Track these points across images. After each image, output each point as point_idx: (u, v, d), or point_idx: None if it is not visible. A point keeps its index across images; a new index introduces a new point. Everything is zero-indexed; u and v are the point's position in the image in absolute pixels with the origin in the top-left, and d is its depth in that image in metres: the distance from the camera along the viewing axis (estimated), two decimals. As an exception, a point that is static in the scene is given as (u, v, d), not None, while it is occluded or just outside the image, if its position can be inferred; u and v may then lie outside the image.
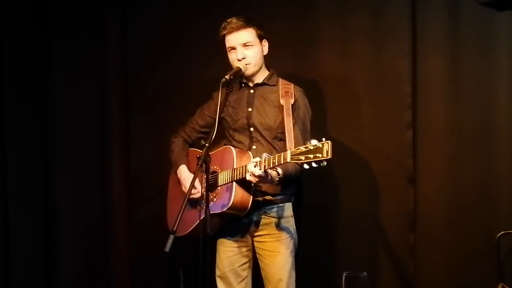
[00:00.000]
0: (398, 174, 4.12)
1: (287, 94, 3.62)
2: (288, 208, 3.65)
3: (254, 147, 3.63)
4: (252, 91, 3.70)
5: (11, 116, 4.54)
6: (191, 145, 3.86)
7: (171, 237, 3.11)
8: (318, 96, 4.18)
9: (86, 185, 4.67)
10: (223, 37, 3.64)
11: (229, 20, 3.62)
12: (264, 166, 3.31)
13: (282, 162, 3.26)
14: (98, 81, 4.65)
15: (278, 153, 3.47)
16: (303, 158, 3.15)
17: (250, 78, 3.68)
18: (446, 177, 4.06)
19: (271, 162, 3.30)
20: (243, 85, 3.72)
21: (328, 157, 3.10)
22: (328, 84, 4.23)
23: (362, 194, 4.18)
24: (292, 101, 3.60)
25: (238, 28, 3.59)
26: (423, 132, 4.09)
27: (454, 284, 4.04)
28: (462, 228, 4.00)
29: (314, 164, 3.13)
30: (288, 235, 3.63)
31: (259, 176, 3.33)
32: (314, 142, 3.14)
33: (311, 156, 3.13)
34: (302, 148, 3.17)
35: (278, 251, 3.62)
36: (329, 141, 3.11)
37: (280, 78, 3.71)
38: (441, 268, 4.03)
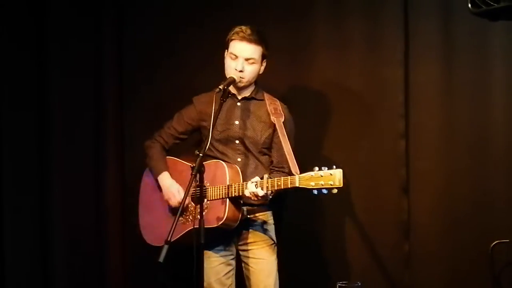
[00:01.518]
0: (391, 183, 4.12)
1: (276, 111, 3.60)
2: (271, 216, 3.66)
3: (239, 159, 3.62)
4: (239, 103, 3.67)
5: (6, 118, 4.49)
6: (167, 151, 3.79)
7: (165, 247, 3.09)
8: (312, 107, 4.18)
9: (82, 187, 4.64)
10: (230, 40, 3.57)
11: (244, 28, 3.55)
12: (267, 187, 3.32)
13: (289, 186, 3.27)
14: (94, 83, 4.64)
15: (264, 167, 3.55)
16: (313, 184, 3.17)
17: (239, 90, 3.66)
18: (439, 186, 4.06)
19: (276, 184, 3.30)
20: (229, 95, 3.63)
21: (340, 186, 3.12)
22: (321, 93, 4.23)
23: (356, 204, 4.18)
24: (282, 119, 3.58)
25: (250, 41, 3.53)
26: (416, 142, 4.10)
27: (449, 293, 4.05)
28: (456, 237, 3.99)
29: (324, 191, 3.15)
30: (273, 242, 3.65)
31: (262, 197, 3.34)
32: (325, 169, 3.16)
33: (322, 182, 3.15)
34: (312, 174, 3.19)
35: (264, 257, 3.63)
36: (340, 169, 3.15)
37: (264, 92, 3.69)
38: (436, 277, 4.02)
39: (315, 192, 3.17)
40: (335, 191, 3.15)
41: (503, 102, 3.92)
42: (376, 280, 4.10)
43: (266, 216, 3.65)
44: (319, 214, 4.20)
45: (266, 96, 3.68)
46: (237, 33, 3.55)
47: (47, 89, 4.58)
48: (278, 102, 3.67)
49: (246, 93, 3.67)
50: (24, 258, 4.53)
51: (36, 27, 4.55)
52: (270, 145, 3.63)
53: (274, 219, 3.69)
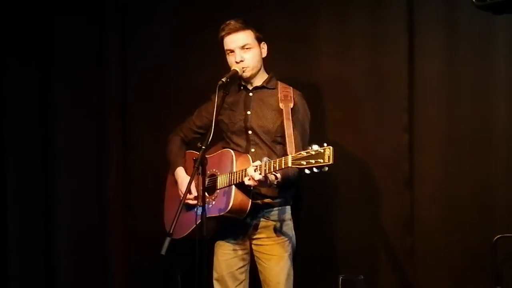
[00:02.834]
0: (394, 177, 4.12)
1: (286, 98, 3.60)
2: (287, 211, 3.64)
3: (252, 150, 3.62)
4: (251, 94, 3.69)
5: (10, 119, 4.53)
6: (187, 145, 3.84)
7: (167, 239, 3.10)
8: (316, 100, 4.17)
9: (85, 187, 4.67)
10: (222, 38, 3.62)
11: (227, 22, 3.61)
12: (265, 170, 3.31)
13: (283, 166, 3.25)
14: (97, 83, 4.65)
15: (278, 156, 3.51)
16: (305, 163, 3.14)
17: (248, 80, 3.67)
18: (442, 180, 4.05)
19: (272, 166, 3.29)
20: (241, 87, 3.70)
21: (330, 163, 3.09)
22: (326, 87, 4.23)
23: (359, 198, 4.18)
24: (291, 105, 3.58)
25: (237, 30, 3.58)
26: (420, 136, 4.09)
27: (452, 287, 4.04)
28: (459, 232, 3.99)
29: (315, 169, 3.12)
30: (287, 238, 3.63)
31: (258, 181, 3.32)
32: (315, 147, 3.13)
33: (313, 161, 3.12)
34: (304, 153, 3.16)
35: (276, 254, 3.61)
36: (330, 147, 3.10)
37: (279, 82, 3.70)
38: (439, 271, 4.02)
39: (307, 171, 3.14)
40: (325, 169, 3.11)
41: (507, 96, 3.91)
42: (379, 273, 4.11)
43: (283, 211, 3.63)
44: (320, 207, 4.20)
45: (280, 84, 3.69)
46: (223, 29, 3.61)
47: (50, 90, 4.61)
48: (290, 89, 3.66)
49: (257, 82, 3.68)
50: (28, 258, 4.57)
51: (38, 35, 4.59)
52: (283, 133, 3.60)
53: (293, 214, 3.67)
